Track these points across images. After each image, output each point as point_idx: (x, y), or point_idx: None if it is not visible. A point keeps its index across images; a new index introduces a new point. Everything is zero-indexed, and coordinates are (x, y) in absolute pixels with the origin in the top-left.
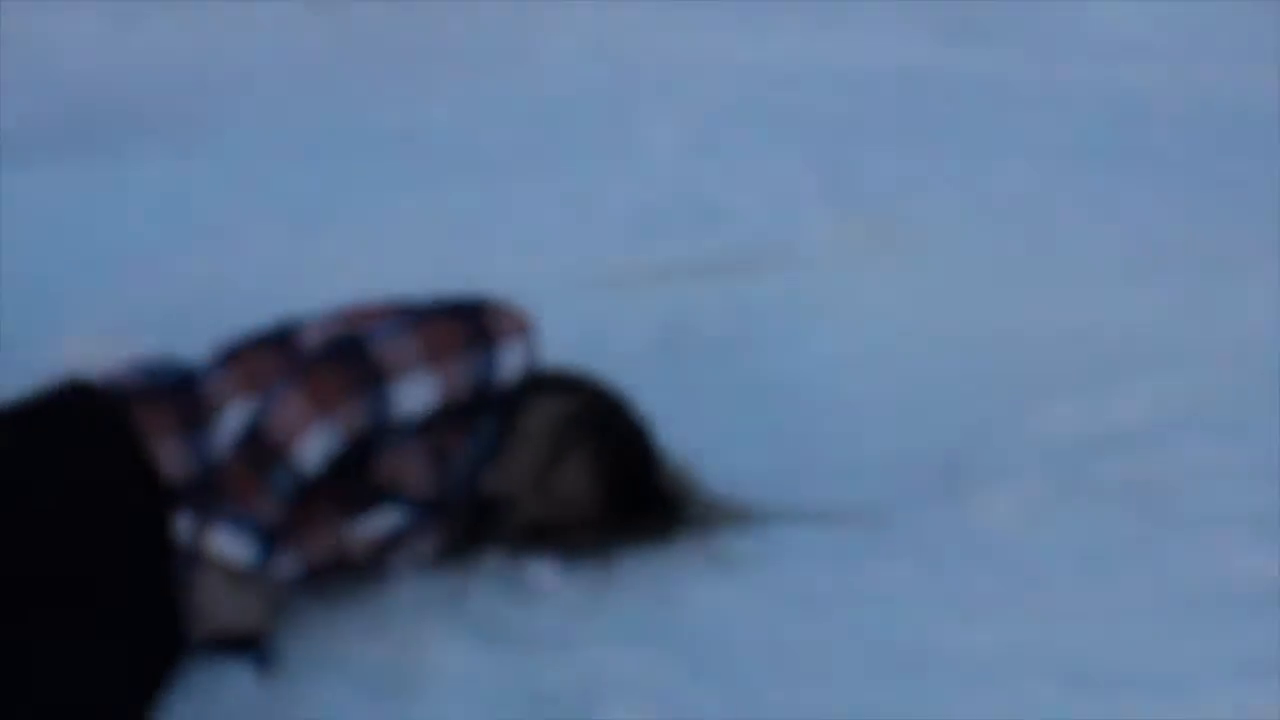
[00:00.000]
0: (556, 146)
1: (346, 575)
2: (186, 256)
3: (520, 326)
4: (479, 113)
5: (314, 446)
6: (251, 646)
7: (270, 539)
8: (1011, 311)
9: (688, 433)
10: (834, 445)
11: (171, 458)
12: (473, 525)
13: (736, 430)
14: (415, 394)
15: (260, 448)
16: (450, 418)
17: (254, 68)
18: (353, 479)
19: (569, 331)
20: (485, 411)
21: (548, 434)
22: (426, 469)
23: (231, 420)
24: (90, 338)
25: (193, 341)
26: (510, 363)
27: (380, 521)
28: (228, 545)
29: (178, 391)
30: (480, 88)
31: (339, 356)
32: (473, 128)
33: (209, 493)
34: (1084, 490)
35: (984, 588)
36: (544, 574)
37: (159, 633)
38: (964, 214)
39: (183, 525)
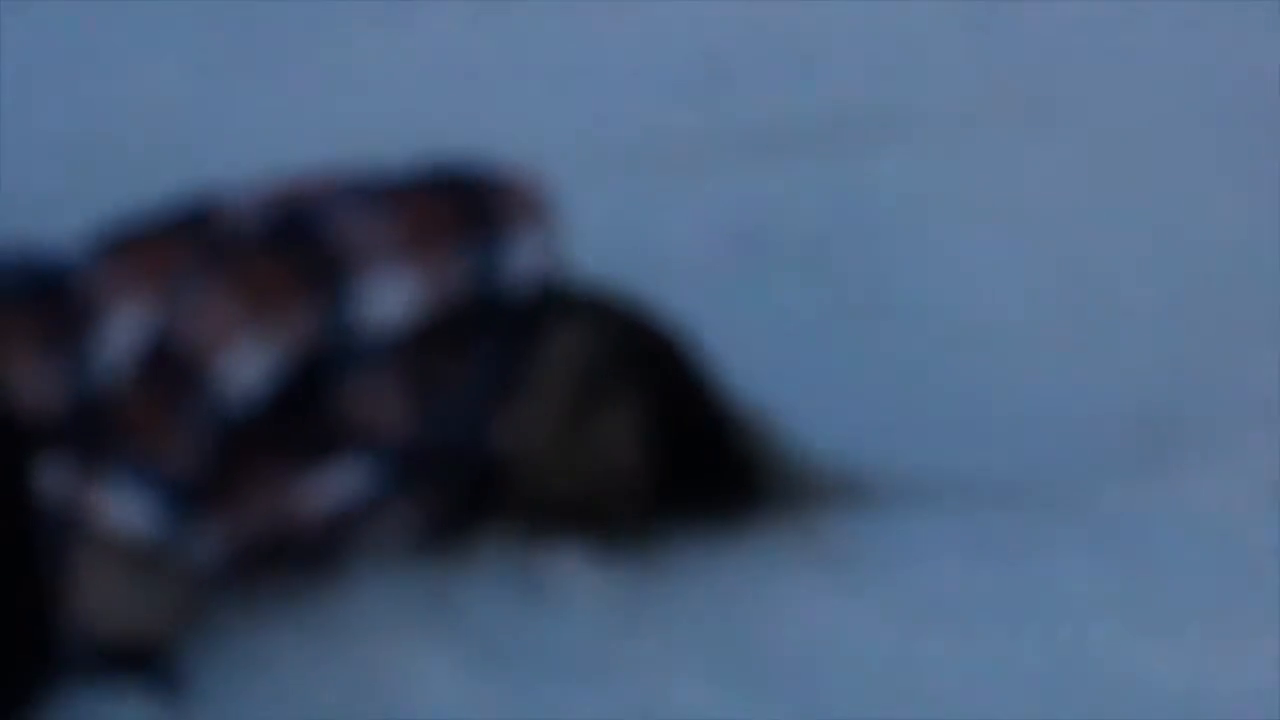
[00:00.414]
0: None
1: (292, 563)
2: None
3: (535, 209)
4: None
5: (244, 366)
6: (152, 661)
7: (184, 500)
8: (1225, 216)
9: (768, 373)
10: (975, 395)
11: (35, 385)
12: (470, 496)
13: (836, 371)
14: (388, 294)
15: (167, 369)
16: (438, 336)
17: None
18: (302, 419)
19: (604, 228)
20: (487, 331)
21: (575, 373)
22: (405, 407)
23: (122, 332)
24: None
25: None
26: (522, 261)
27: (340, 481)
28: (122, 509)
29: (41, 294)
30: None
31: (278, 242)
32: None
33: (92, 435)
34: None
35: (1192, 594)
36: (568, 571)
37: (12, 637)
38: (1153, 77)
39: (53, 481)
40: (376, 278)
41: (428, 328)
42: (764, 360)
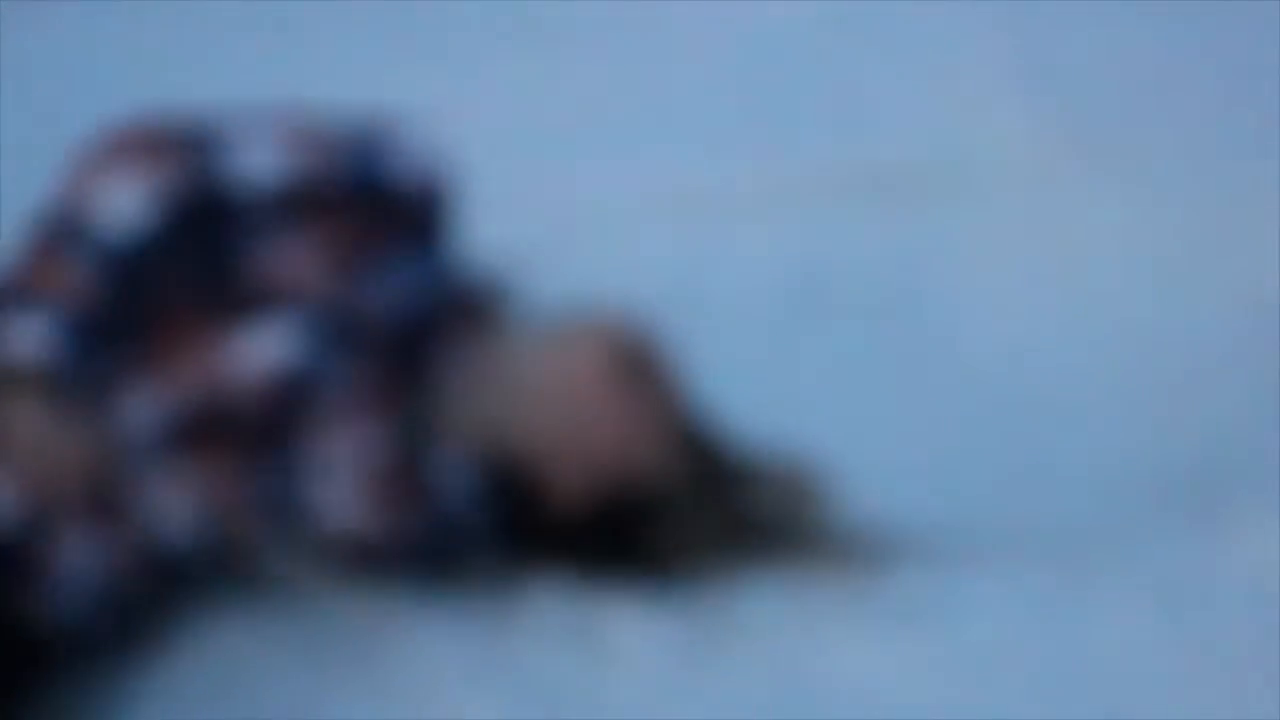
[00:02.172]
0: (626, 13)
1: (243, 443)
2: None
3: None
4: None
5: (122, 199)
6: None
7: (90, 333)
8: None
9: (823, 423)
10: (1031, 445)
11: None
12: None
13: (891, 422)
14: (256, 152)
15: (48, 227)
16: (334, 209)
17: None
18: (216, 275)
19: (658, 275)
20: (397, 225)
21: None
22: (322, 263)
23: None
24: None
25: None
26: (403, 157)
27: (270, 342)
28: (23, 341)
29: None
30: None
31: (138, 121)
32: None
33: None
34: None
35: (1248, 650)
36: (625, 622)
37: None
38: (1216, 125)
39: None
40: (239, 138)
41: (317, 196)
42: (819, 410)
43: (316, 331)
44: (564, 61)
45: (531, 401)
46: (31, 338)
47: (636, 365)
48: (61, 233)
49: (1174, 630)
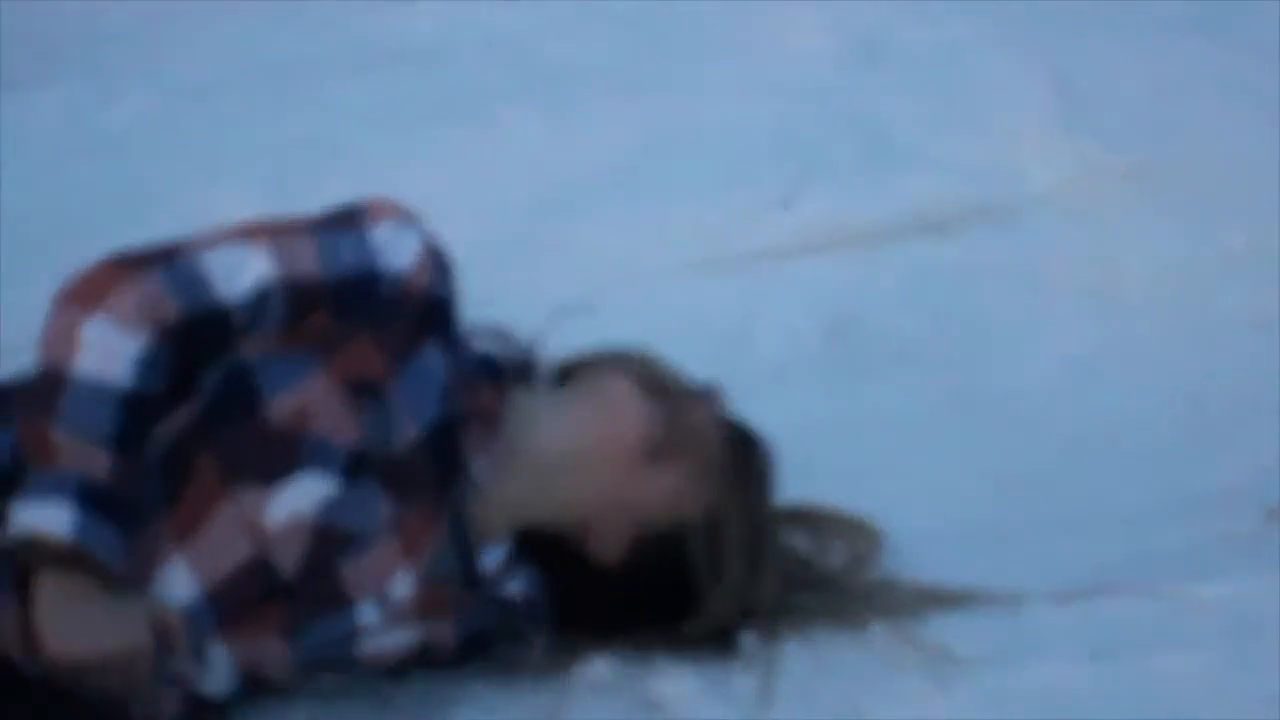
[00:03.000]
0: (652, 59)
1: (284, 597)
2: None
3: (399, 210)
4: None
5: (111, 349)
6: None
7: (104, 503)
8: None
9: (864, 470)
10: (1088, 484)
11: None
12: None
13: (933, 467)
14: (234, 270)
15: (33, 382)
16: (329, 319)
17: None
18: (243, 437)
19: (695, 324)
20: (389, 319)
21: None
22: (338, 405)
23: None
24: None
25: None
26: (395, 252)
27: (303, 491)
28: (36, 515)
29: None
30: None
31: (116, 258)
32: (530, 34)
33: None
34: None
35: None
36: (680, 693)
37: None
38: (1254, 150)
39: None
40: (219, 253)
41: (309, 301)
42: (859, 456)
43: (347, 472)
44: (591, 117)
45: (569, 481)
46: (46, 511)
47: (675, 426)
48: (48, 392)
49: (1233, 665)
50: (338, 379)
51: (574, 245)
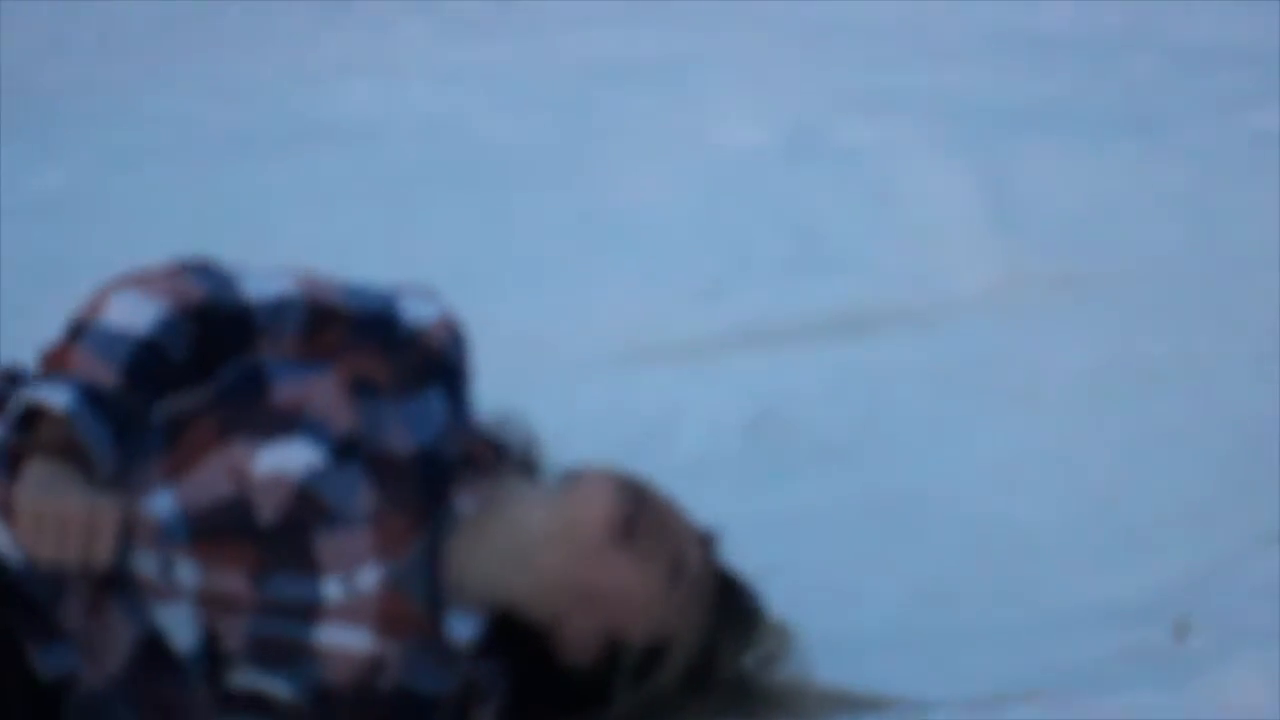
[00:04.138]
0: (584, 146)
1: (264, 540)
2: None
3: (428, 289)
4: (466, 99)
5: (134, 310)
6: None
7: (100, 401)
8: (1251, 396)
9: (782, 571)
10: (1000, 592)
11: None
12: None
13: (852, 568)
14: (264, 280)
15: (70, 325)
16: (345, 335)
17: None
18: (245, 404)
19: (616, 419)
20: (401, 353)
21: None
22: (339, 395)
23: None
24: None
25: None
26: (417, 310)
27: (291, 454)
28: (37, 391)
29: None
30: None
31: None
32: (463, 117)
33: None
34: None
35: None
36: None
37: None
38: (1179, 258)
39: None
40: (251, 273)
41: (326, 321)
42: (774, 555)
43: (337, 452)
44: (520, 202)
45: (542, 558)
46: (61, 401)
47: (643, 520)
48: (80, 328)
49: None
50: (343, 377)
51: (496, 332)
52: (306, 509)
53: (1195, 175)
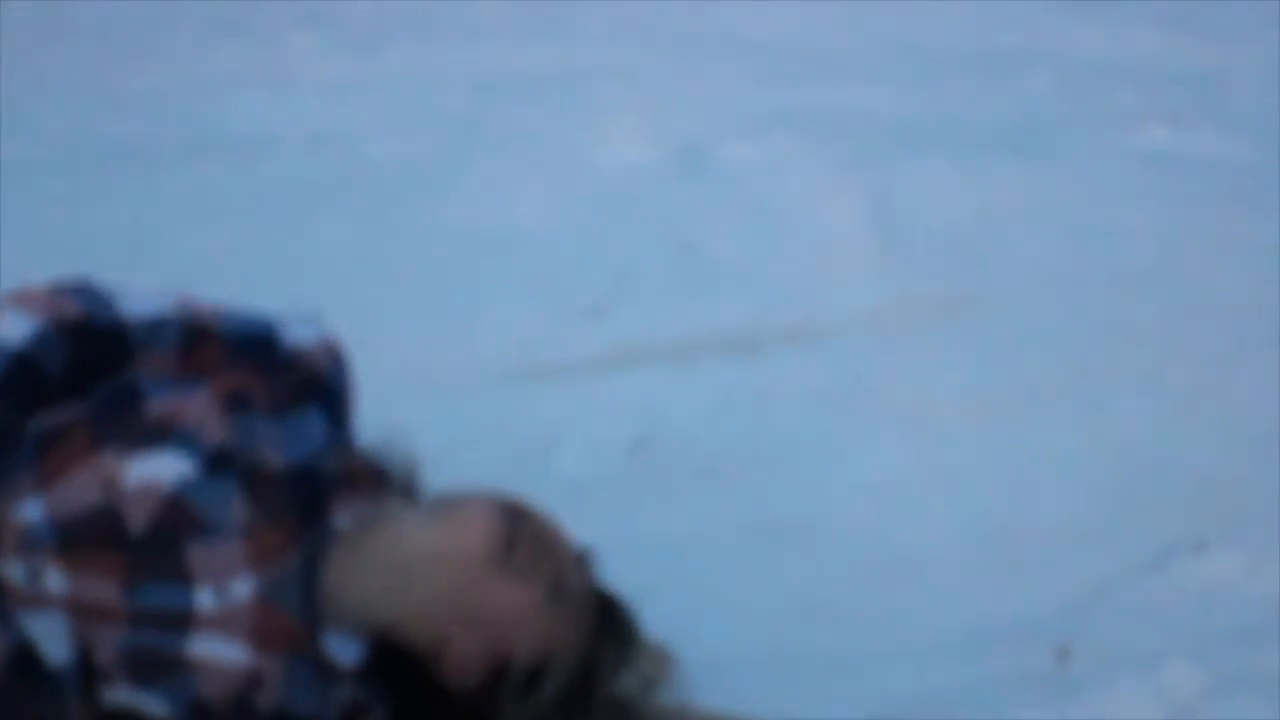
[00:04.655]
0: (471, 161)
1: (131, 551)
2: None
3: (312, 314)
4: (355, 113)
5: (10, 323)
6: None
7: None
8: (1137, 421)
9: (664, 593)
10: (883, 616)
11: None
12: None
13: (732, 591)
14: (142, 300)
15: None
16: (221, 355)
17: None
18: (120, 417)
19: (498, 438)
20: (278, 373)
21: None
22: (213, 409)
23: None
24: None
25: None
26: (297, 333)
27: (162, 464)
28: None
29: None
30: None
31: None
32: (351, 130)
33: None
34: (1245, 683)
35: None
36: None
37: None
38: (1066, 278)
39: None
40: (128, 295)
41: (202, 340)
42: (655, 577)
43: (206, 464)
44: (404, 218)
45: (421, 580)
46: None
47: (522, 540)
48: None
49: None
50: (217, 392)
51: (377, 349)
52: (177, 518)
53: (1082, 193)
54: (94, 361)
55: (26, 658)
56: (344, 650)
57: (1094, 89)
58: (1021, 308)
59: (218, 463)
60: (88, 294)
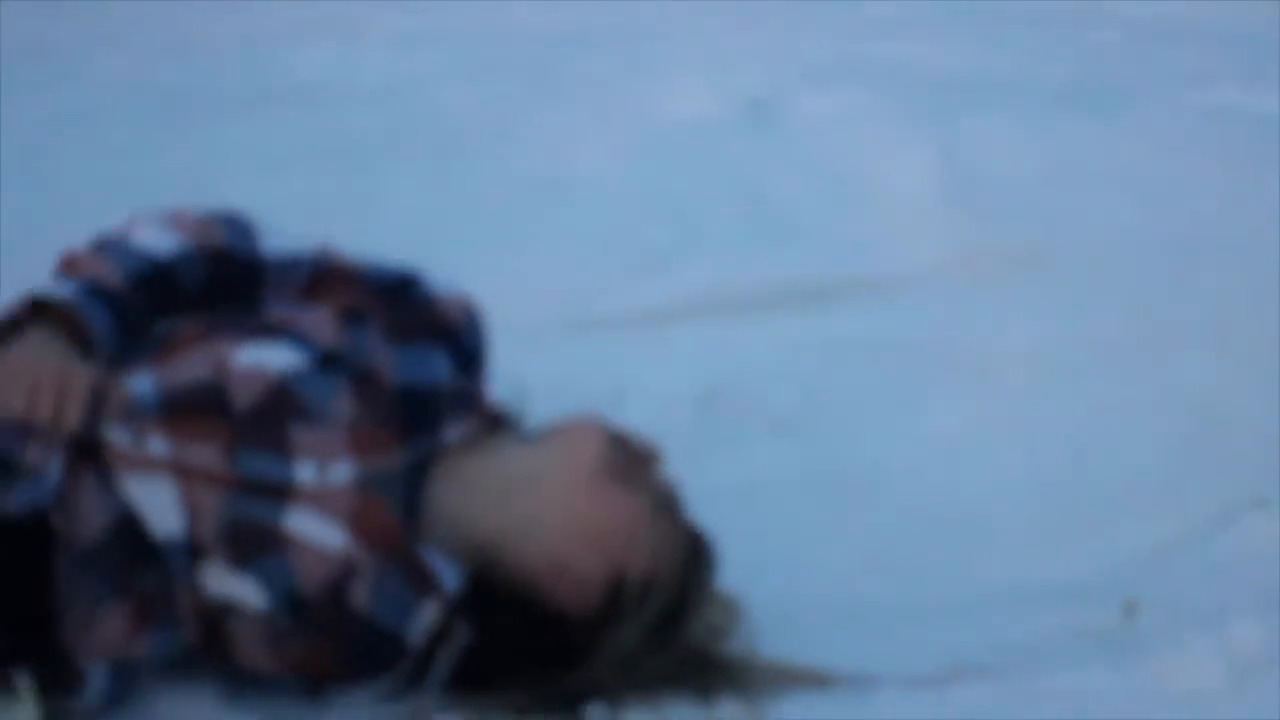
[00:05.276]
0: (538, 112)
1: (237, 430)
2: None
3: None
4: (422, 64)
5: (157, 237)
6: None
7: (105, 296)
8: (1205, 377)
9: (730, 544)
10: (948, 569)
11: None
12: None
13: (799, 541)
14: (284, 240)
15: (94, 239)
16: (348, 287)
17: None
18: (234, 315)
19: (568, 388)
20: (406, 309)
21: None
22: (329, 320)
23: None
24: None
25: None
26: (437, 286)
27: (273, 353)
28: (42, 287)
29: None
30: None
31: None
32: (418, 81)
33: None
34: None
35: None
36: None
37: None
38: (1133, 234)
39: None
40: (270, 232)
41: (331, 276)
42: (722, 528)
43: (316, 360)
44: (471, 168)
45: (535, 496)
46: (64, 292)
47: (629, 455)
48: (105, 244)
49: None
50: (335, 309)
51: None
52: (282, 403)
53: (1150, 151)
54: (227, 288)
55: (132, 529)
56: (442, 570)
57: (1162, 45)
58: (1088, 264)
59: (328, 361)
60: (235, 225)
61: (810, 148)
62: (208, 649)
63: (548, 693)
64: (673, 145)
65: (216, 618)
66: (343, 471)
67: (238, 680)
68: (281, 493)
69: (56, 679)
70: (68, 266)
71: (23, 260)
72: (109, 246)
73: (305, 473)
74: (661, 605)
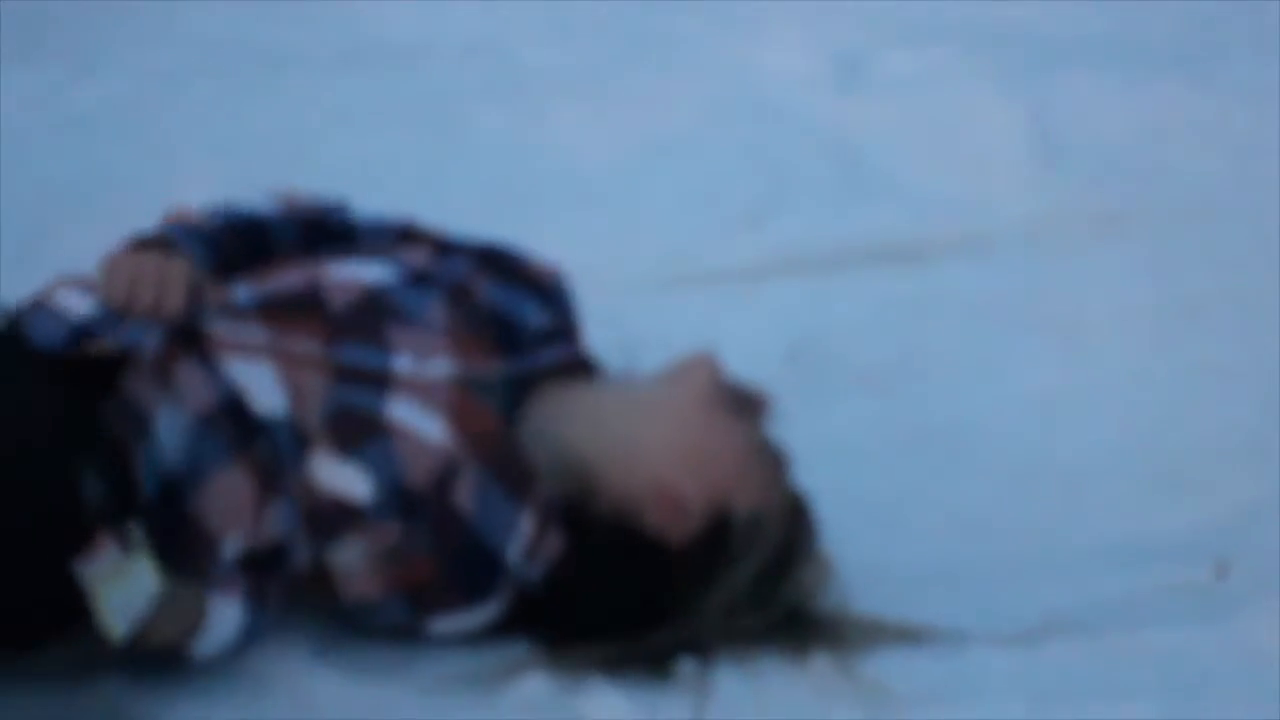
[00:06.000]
0: (628, 69)
1: (334, 333)
2: None
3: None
4: (510, 21)
5: (258, 203)
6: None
7: (201, 235)
8: None
9: (820, 501)
10: (1040, 527)
11: None
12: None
13: (891, 498)
14: (373, 211)
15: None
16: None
17: None
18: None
19: (659, 344)
20: (503, 268)
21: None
22: (421, 253)
23: None
24: None
25: None
26: (531, 253)
27: (366, 269)
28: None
29: None
30: None
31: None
32: (506, 39)
33: None
34: None
35: None
36: (610, 711)
37: None
38: (1227, 195)
39: None
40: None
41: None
42: (812, 483)
43: (407, 274)
44: (562, 125)
45: (639, 420)
46: (169, 234)
47: (737, 390)
48: (205, 208)
49: (1181, 711)
50: (427, 247)
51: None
52: (377, 307)
53: (1245, 114)
54: (319, 250)
55: (238, 410)
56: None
57: (1259, 8)
58: (1182, 224)
59: (421, 279)
60: (323, 200)
61: (902, 105)
62: (313, 583)
63: (642, 648)
64: (763, 102)
65: (325, 528)
66: (442, 367)
67: (333, 628)
68: (381, 381)
69: (186, 617)
70: (169, 220)
71: (110, 217)
72: (211, 205)
73: (403, 363)
74: (767, 555)
